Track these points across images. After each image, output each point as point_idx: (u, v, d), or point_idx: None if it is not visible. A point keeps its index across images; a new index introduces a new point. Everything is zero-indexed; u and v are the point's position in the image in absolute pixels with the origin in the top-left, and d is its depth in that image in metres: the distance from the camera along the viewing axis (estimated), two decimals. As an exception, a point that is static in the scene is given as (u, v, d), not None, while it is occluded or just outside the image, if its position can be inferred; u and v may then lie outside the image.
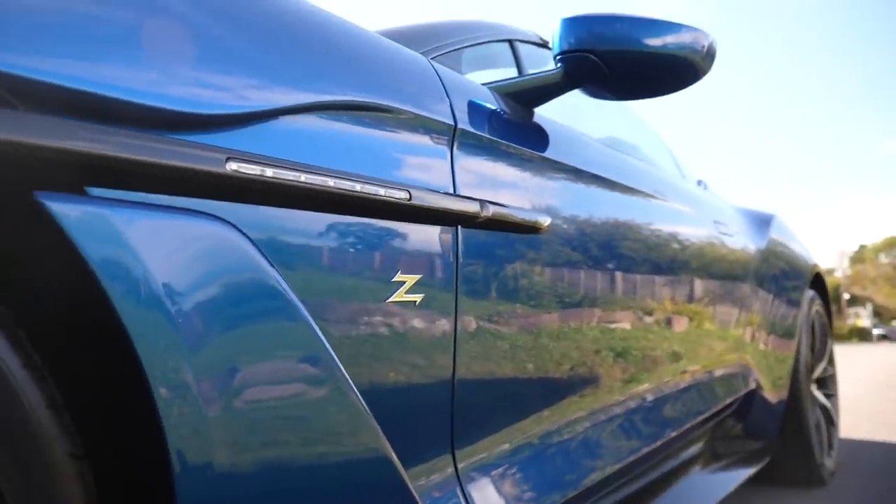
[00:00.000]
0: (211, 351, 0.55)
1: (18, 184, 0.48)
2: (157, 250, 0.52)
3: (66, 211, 0.48)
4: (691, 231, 1.74)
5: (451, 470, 0.86)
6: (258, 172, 0.60)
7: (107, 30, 0.54)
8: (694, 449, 1.77)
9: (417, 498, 0.73)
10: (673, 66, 1.13)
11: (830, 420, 2.65)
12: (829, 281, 3.01)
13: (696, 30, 1.15)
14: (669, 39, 1.12)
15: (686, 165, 2.39)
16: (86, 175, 0.51)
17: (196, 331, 0.54)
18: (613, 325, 1.28)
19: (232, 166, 0.58)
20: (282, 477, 0.61)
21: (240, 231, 0.59)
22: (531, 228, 0.99)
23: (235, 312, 0.57)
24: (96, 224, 0.49)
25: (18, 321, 0.48)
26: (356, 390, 0.67)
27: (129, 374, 0.50)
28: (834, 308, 3.00)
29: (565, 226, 1.11)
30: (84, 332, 0.53)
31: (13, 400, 0.45)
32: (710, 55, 1.17)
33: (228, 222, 0.58)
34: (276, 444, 0.60)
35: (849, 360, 10.92)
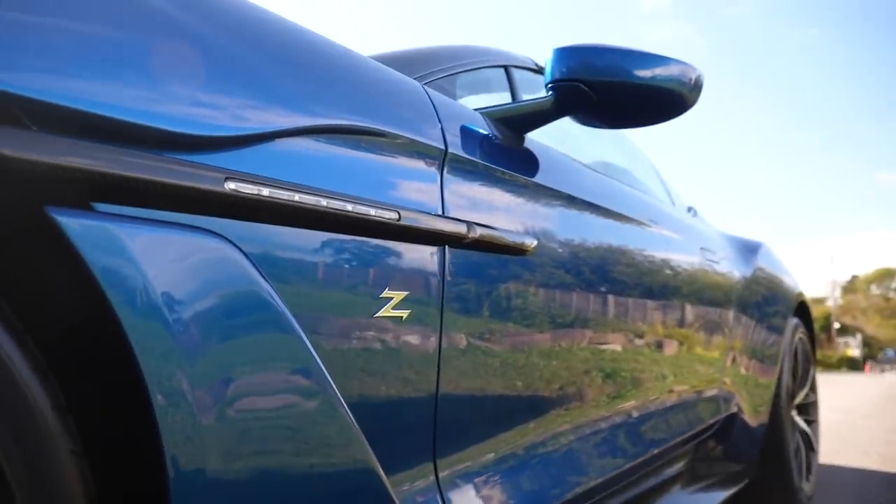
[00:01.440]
0: (206, 358, 0.58)
1: (29, 199, 0.51)
2: (157, 263, 0.55)
3: (73, 224, 0.51)
4: (678, 257, 1.78)
5: (432, 479, 0.89)
6: (255, 192, 0.63)
7: (114, 53, 0.58)
8: (675, 468, 1.80)
9: None
10: (660, 98, 1.17)
11: (810, 445, 2.69)
12: (819, 310, 3.07)
13: (684, 63, 1.20)
14: (658, 71, 1.16)
15: (676, 192, 2.44)
16: (92, 191, 0.54)
17: (192, 339, 0.57)
18: (597, 345, 1.31)
19: (230, 185, 0.61)
20: (270, 481, 0.64)
21: (236, 247, 0.62)
22: (517, 250, 1.03)
23: (229, 323, 0.61)
24: (101, 237, 0.53)
25: (27, 326, 0.51)
26: (343, 401, 0.70)
27: (127, 379, 0.53)
28: (824, 337, 3.06)
29: (552, 249, 1.15)
30: (87, 337, 0.56)
31: (21, 399, 0.48)
32: (697, 88, 1.22)
33: (226, 238, 0.62)
34: (265, 450, 0.63)
35: (837, 391, 10.97)
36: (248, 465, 0.62)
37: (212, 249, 0.60)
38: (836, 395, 9.35)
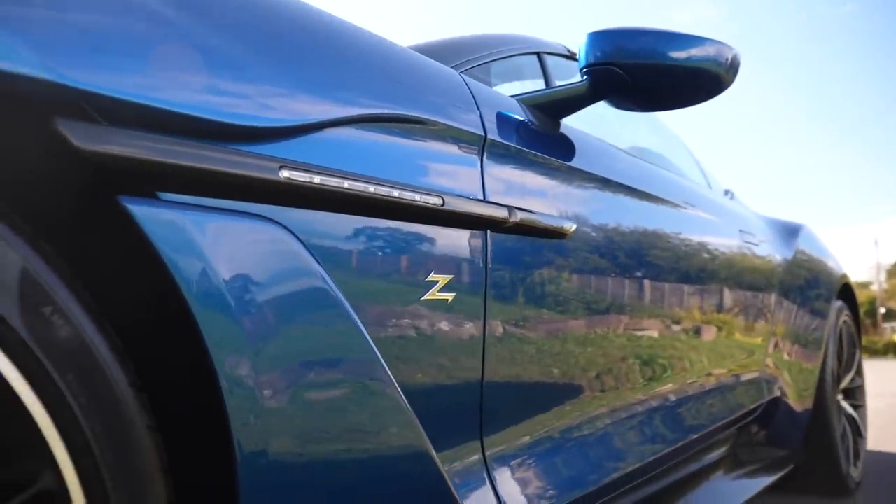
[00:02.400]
0: (267, 338, 0.61)
1: (103, 189, 0.55)
2: (220, 248, 0.59)
3: (143, 213, 0.55)
4: (716, 239, 1.77)
5: (479, 457, 0.91)
6: (307, 179, 0.66)
7: (176, 51, 0.61)
8: (716, 453, 1.80)
9: (450, 483, 0.79)
10: (696, 79, 1.18)
11: (858, 431, 2.64)
12: (864, 295, 3.01)
13: (719, 43, 1.19)
14: (693, 52, 1.16)
15: (713, 175, 2.42)
16: (159, 181, 0.57)
17: (254, 321, 0.60)
18: (637, 329, 1.32)
19: (285, 174, 0.64)
20: (328, 459, 0.67)
21: (291, 232, 0.65)
22: (557, 234, 1.04)
23: (287, 306, 0.64)
24: (169, 224, 0.56)
25: (104, 309, 0.54)
26: (395, 382, 0.73)
27: (195, 359, 0.57)
28: (869, 322, 3.00)
29: (591, 232, 1.16)
30: (157, 319, 0.59)
31: (103, 378, 0.51)
32: (733, 67, 1.21)
33: (281, 224, 0.65)
34: (324, 429, 0.67)
35: (885, 377, 10.71)
36: (307, 442, 0.65)
37: (269, 235, 0.63)
38: (884, 380, 9.12)
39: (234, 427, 0.58)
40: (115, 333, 0.54)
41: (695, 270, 1.60)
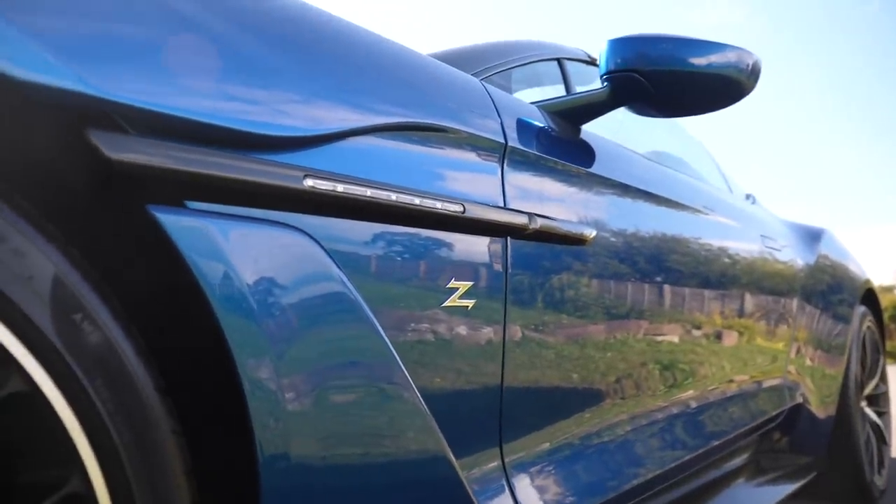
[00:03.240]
0: (290, 344, 0.62)
1: (133, 198, 0.56)
2: (245, 256, 0.60)
3: (171, 221, 0.56)
4: (737, 245, 1.76)
5: (498, 463, 0.91)
6: (331, 188, 0.67)
7: (201, 63, 0.62)
8: (738, 460, 1.78)
9: (469, 489, 0.79)
10: (718, 85, 1.17)
11: (882, 438, 2.60)
12: (888, 299, 2.96)
13: (740, 49, 1.19)
14: (714, 59, 1.16)
15: (734, 179, 2.40)
16: (187, 190, 0.58)
17: (277, 327, 0.61)
18: (657, 335, 1.31)
19: (309, 182, 0.65)
20: (348, 462, 0.68)
21: (313, 239, 0.66)
22: (577, 240, 1.04)
23: (311, 313, 0.65)
24: (196, 232, 0.57)
25: (131, 315, 0.56)
26: (416, 388, 0.73)
27: (217, 361, 0.58)
28: (893, 327, 2.95)
29: (611, 238, 1.16)
30: (182, 324, 0.61)
31: (130, 383, 0.53)
32: (754, 73, 1.21)
33: (304, 231, 0.66)
34: (345, 433, 0.67)
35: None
36: (328, 445, 0.66)
37: (293, 243, 0.64)
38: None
39: (256, 429, 0.58)
40: (141, 338, 0.56)
41: (715, 276, 1.59)
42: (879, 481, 2.48)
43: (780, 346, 2.00)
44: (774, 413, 1.87)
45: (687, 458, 1.34)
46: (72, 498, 0.50)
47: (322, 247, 0.67)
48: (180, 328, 0.61)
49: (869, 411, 2.56)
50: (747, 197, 2.39)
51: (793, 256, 2.19)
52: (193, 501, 0.57)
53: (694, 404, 1.46)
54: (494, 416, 0.91)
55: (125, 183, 0.55)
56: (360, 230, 0.72)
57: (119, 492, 0.51)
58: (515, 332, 0.92)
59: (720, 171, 2.32)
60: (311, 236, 0.66)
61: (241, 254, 0.60)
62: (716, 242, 1.63)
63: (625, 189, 1.26)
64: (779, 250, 2.06)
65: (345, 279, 0.68)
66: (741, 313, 1.72)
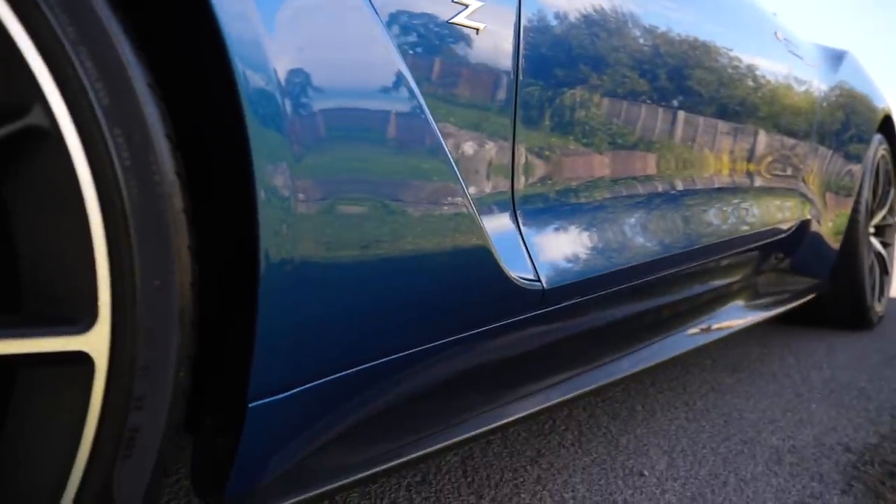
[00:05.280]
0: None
1: None
2: None
3: None
4: (758, 46, 1.65)
5: (511, 216, 0.87)
6: None
7: None
8: (740, 273, 1.76)
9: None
10: None
11: (885, 268, 2.61)
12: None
13: None
14: None
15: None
16: None
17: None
18: (676, 112, 1.24)
19: None
20: (367, 200, 0.64)
21: None
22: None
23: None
24: None
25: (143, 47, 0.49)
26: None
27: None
28: None
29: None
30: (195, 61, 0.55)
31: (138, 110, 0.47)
32: None
33: None
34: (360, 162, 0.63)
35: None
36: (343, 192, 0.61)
37: None
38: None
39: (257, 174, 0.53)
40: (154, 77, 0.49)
41: (738, 73, 1.49)
42: (879, 307, 2.51)
43: (798, 156, 1.93)
44: (784, 225, 1.83)
45: (694, 247, 1.31)
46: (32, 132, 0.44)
47: None
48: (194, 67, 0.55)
49: (874, 241, 2.54)
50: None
51: (812, 76, 2.07)
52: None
53: (705, 194, 1.41)
54: (506, 167, 0.85)
55: None
56: None
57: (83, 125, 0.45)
58: (528, 64, 0.85)
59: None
60: None
61: None
62: (735, 45, 1.52)
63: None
64: (801, 58, 1.95)
65: None
66: (759, 118, 1.63)
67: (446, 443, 0.82)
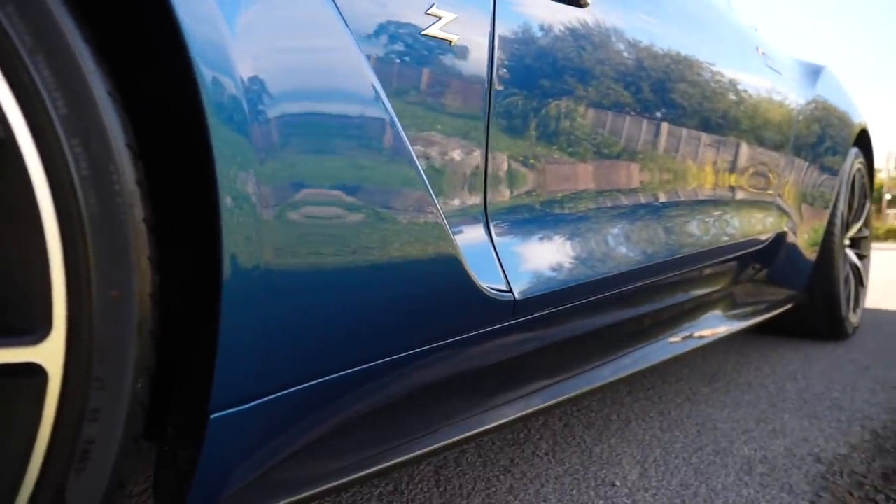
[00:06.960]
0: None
1: None
2: None
3: None
4: (737, 61, 1.67)
5: (483, 226, 0.87)
6: None
7: None
8: (718, 283, 1.77)
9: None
10: None
11: (860, 280, 2.64)
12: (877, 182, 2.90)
13: None
14: None
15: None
16: None
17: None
18: (652, 118, 1.25)
19: None
20: (336, 203, 0.63)
21: None
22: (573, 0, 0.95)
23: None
24: None
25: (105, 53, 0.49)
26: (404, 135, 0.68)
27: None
28: (874, 208, 2.92)
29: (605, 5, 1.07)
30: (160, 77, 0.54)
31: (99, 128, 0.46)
32: None
33: None
34: (330, 172, 0.62)
35: (886, 256, 10.78)
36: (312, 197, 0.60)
37: None
38: (886, 259, 9.18)
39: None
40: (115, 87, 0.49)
41: (717, 83, 1.51)
42: (854, 318, 2.54)
43: (774, 173, 1.95)
44: (761, 236, 1.85)
45: (672, 258, 1.32)
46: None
47: None
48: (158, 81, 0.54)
49: (850, 253, 2.57)
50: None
51: (790, 90, 2.10)
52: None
53: (683, 206, 1.42)
54: (479, 175, 0.85)
55: None
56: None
57: (40, 135, 0.44)
58: (502, 77, 0.85)
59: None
60: None
61: None
62: (714, 60, 1.53)
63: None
64: (779, 73, 1.97)
65: None
66: (738, 130, 1.65)
67: (417, 452, 0.82)
